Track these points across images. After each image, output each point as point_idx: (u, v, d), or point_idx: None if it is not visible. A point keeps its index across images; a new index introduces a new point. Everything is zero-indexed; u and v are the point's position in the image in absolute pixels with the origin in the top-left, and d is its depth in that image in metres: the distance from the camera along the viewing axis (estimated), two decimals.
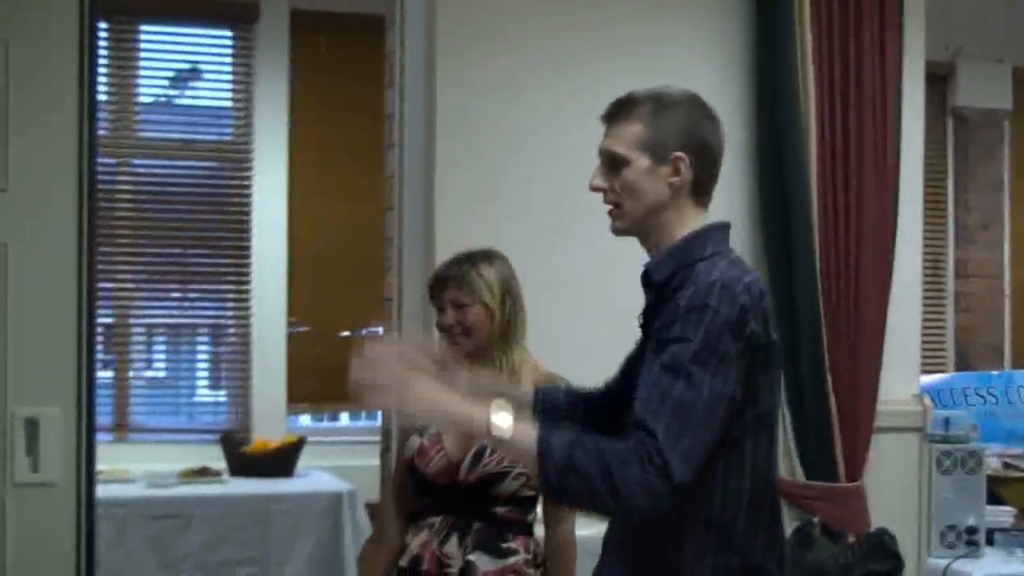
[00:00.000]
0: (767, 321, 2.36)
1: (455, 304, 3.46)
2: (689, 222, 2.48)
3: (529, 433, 2.27)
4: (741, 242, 4.67)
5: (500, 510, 3.40)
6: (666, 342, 2.29)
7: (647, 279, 2.49)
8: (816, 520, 4.35)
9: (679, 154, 2.45)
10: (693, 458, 2.23)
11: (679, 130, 2.46)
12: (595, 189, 2.52)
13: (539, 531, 3.50)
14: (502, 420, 2.28)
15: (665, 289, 2.42)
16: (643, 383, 2.29)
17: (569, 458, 2.21)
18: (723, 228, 2.53)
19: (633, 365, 2.51)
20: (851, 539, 4.42)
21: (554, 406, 2.76)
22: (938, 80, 7.29)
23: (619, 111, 2.51)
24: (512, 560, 3.39)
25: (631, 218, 2.49)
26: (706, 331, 2.26)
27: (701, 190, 2.50)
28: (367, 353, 2.37)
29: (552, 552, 3.44)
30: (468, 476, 3.39)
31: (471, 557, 3.38)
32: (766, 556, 2.42)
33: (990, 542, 4.88)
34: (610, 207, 2.51)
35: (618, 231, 2.53)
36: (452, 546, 3.40)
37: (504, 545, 3.39)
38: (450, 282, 3.47)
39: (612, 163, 2.48)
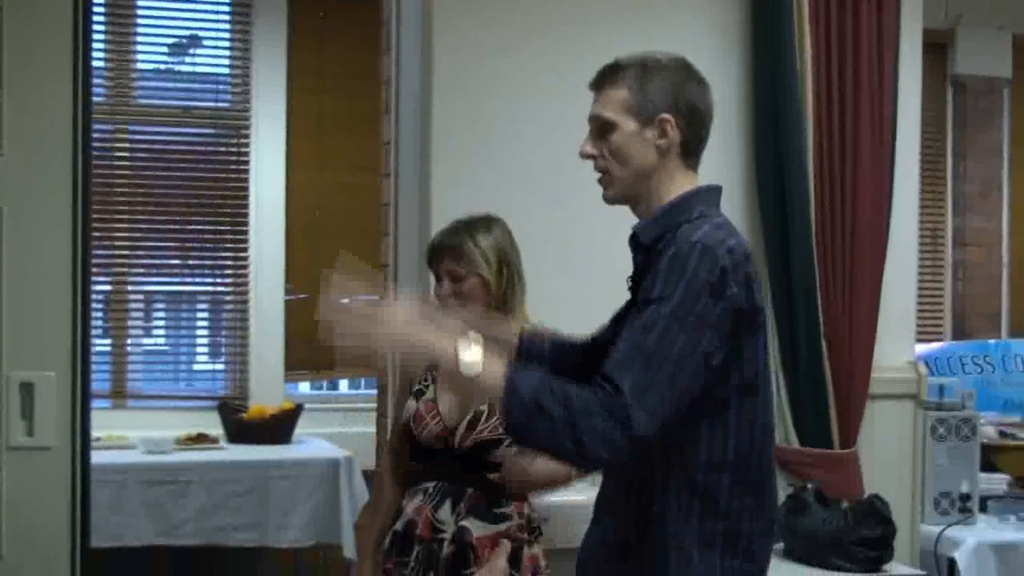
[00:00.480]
0: (751, 285, 2.36)
1: (451, 274, 3.47)
2: (678, 184, 2.49)
3: (497, 371, 2.27)
4: (737, 209, 4.68)
5: (494, 476, 3.41)
6: (646, 302, 2.30)
7: (635, 241, 2.50)
8: (810, 486, 4.36)
9: (665, 116, 2.46)
10: (658, 413, 2.23)
11: (665, 93, 2.47)
12: (585, 156, 2.53)
13: (534, 497, 3.51)
14: (470, 355, 2.27)
15: (652, 251, 2.43)
16: (620, 339, 2.30)
17: (535, 400, 2.22)
18: (713, 191, 2.54)
19: (619, 322, 2.52)
20: (844, 505, 4.44)
21: (539, 352, 2.76)
22: (937, 48, 7.28)
23: (606, 77, 2.52)
24: (505, 525, 3.41)
25: (621, 184, 2.50)
26: (684, 290, 2.27)
27: (690, 152, 2.51)
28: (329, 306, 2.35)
29: None
30: (462, 442, 3.40)
31: (464, 523, 3.40)
32: (753, 522, 2.43)
33: (983, 509, 4.91)
34: (600, 174, 2.52)
35: (610, 200, 2.54)
36: (445, 511, 3.41)
37: (497, 511, 3.41)
38: (446, 252, 3.48)
39: (600, 128, 2.50)
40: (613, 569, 2.48)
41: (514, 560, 3.39)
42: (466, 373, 2.27)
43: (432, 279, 3.57)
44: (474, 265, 3.44)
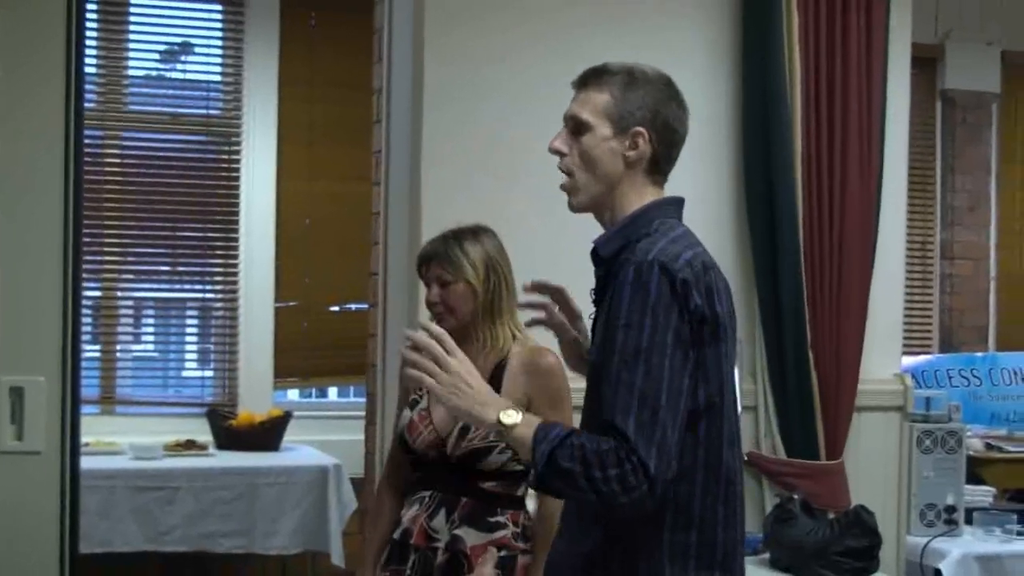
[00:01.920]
0: (712, 294, 2.37)
1: (439, 281, 3.51)
2: (643, 198, 2.50)
3: (526, 433, 2.34)
4: (726, 221, 4.71)
5: (487, 484, 3.43)
6: (614, 328, 2.32)
7: (596, 255, 2.51)
8: (796, 496, 4.38)
9: (639, 129, 2.47)
10: (666, 448, 2.27)
11: (645, 106, 2.48)
12: (554, 151, 2.53)
13: (532, 505, 3.52)
14: (508, 418, 2.36)
15: (612, 265, 2.44)
16: (606, 380, 2.32)
17: (552, 457, 2.29)
18: (672, 203, 2.54)
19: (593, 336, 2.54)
20: (831, 516, 4.45)
21: None
22: (927, 63, 7.30)
23: (591, 78, 2.53)
24: (499, 534, 3.42)
25: (585, 192, 2.51)
26: (652, 315, 2.29)
27: (657, 169, 2.52)
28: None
29: (538, 522, 3.47)
30: (454, 450, 3.42)
31: (457, 531, 3.42)
32: (726, 531, 2.43)
33: (969, 521, 4.92)
34: (565, 179, 2.53)
35: (576, 208, 2.55)
36: (440, 520, 3.43)
37: (491, 519, 3.42)
38: (434, 259, 3.53)
39: (575, 128, 2.51)
40: None
41: (508, 569, 3.41)
42: (504, 432, 2.38)
43: (422, 287, 3.61)
44: (461, 271, 3.48)
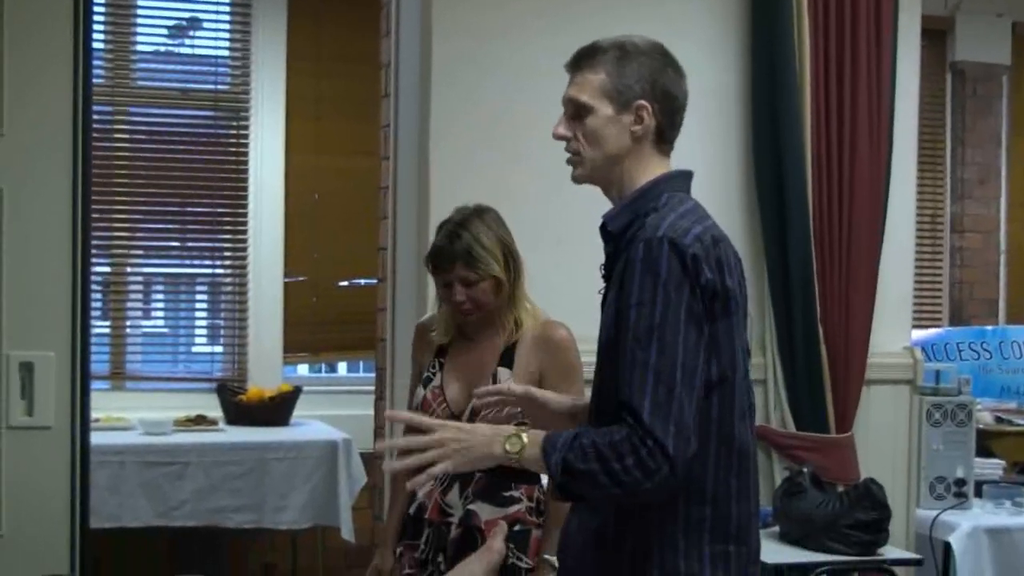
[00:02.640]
0: (723, 268, 2.36)
1: (464, 282, 3.47)
2: (650, 170, 2.49)
3: (534, 452, 2.33)
4: (735, 195, 4.70)
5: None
6: (627, 307, 2.31)
7: (605, 230, 2.50)
8: (806, 470, 4.38)
9: (642, 102, 2.46)
10: (684, 426, 2.25)
11: (642, 79, 2.46)
12: (558, 137, 2.53)
13: (546, 479, 3.52)
14: (513, 445, 2.35)
15: (621, 240, 2.44)
16: (619, 360, 2.31)
17: (566, 464, 2.28)
18: (681, 176, 2.53)
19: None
20: (840, 489, 4.46)
21: None
22: (937, 35, 7.28)
23: (583, 59, 2.51)
24: (513, 509, 3.43)
25: (591, 166, 2.50)
26: (664, 293, 2.28)
27: (663, 139, 2.51)
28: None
29: (552, 497, 3.47)
30: None
31: (471, 507, 3.44)
32: (740, 505, 2.43)
33: (978, 494, 4.92)
34: (570, 155, 2.52)
35: (578, 179, 2.54)
36: (454, 495, 3.45)
37: (506, 494, 3.43)
38: (457, 261, 3.46)
39: (576, 111, 2.49)
40: (594, 558, 2.46)
41: (522, 543, 3.42)
42: (515, 460, 2.38)
43: (436, 283, 3.58)
44: (487, 268, 3.45)
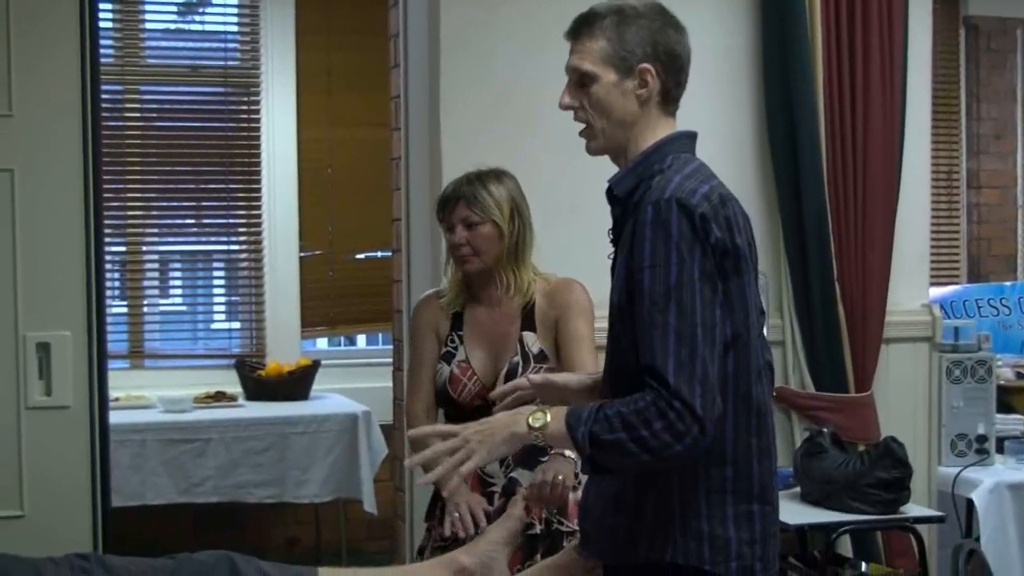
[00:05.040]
0: (731, 226, 2.35)
1: (465, 223, 3.49)
2: (657, 133, 2.48)
3: (559, 426, 2.34)
4: (748, 153, 4.67)
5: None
6: (641, 271, 2.30)
7: (611, 194, 2.50)
8: (826, 430, 4.37)
9: (645, 66, 2.45)
10: (709, 385, 2.25)
11: (643, 41, 2.45)
12: (565, 107, 2.52)
13: None
14: (537, 420, 2.36)
15: (628, 203, 2.44)
16: (638, 325, 2.31)
17: (593, 436, 2.28)
18: (685, 137, 2.52)
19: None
20: (860, 448, 4.45)
21: None
22: None
23: (582, 27, 2.50)
24: None
25: (604, 136, 2.49)
26: (677, 253, 2.28)
27: (669, 99, 2.50)
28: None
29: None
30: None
31: (513, 474, 3.47)
32: (761, 463, 2.43)
33: (1000, 450, 4.91)
34: (583, 127, 2.51)
35: (593, 151, 2.54)
36: (494, 465, 3.45)
37: (543, 459, 3.42)
38: (460, 200, 3.51)
39: (580, 80, 2.49)
40: (613, 523, 2.46)
41: (561, 507, 3.42)
42: (540, 437, 2.39)
43: (443, 231, 3.59)
44: (488, 212, 3.48)
